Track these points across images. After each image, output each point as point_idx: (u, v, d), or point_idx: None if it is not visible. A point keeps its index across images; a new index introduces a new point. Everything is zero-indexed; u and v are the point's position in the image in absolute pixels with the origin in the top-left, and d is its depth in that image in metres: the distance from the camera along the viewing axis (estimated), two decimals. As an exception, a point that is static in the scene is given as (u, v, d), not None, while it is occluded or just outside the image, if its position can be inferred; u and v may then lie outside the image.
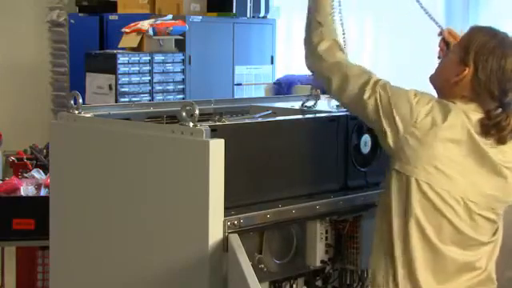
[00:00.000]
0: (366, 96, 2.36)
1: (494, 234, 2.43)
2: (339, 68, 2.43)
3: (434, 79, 2.47)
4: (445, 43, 2.58)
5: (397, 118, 2.31)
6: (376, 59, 6.46)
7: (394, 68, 6.24)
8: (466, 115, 2.32)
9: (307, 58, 2.52)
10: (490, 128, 2.33)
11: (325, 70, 2.46)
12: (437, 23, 2.66)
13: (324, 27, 2.49)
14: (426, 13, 2.70)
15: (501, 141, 2.34)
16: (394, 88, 2.37)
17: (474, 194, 2.33)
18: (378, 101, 2.34)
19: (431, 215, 2.32)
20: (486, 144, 2.33)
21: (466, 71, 2.33)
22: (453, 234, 2.34)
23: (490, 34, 2.36)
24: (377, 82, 2.37)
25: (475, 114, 2.34)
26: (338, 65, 2.44)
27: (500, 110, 2.35)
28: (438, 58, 2.59)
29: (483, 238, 2.40)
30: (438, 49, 2.60)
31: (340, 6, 2.68)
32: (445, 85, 2.39)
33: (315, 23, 2.50)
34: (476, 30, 2.40)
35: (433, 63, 2.53)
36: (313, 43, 2.48)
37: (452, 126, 2.30)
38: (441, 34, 2.60)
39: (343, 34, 2.62)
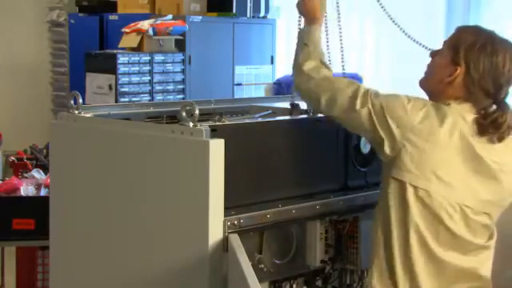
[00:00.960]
0: (357, 106, 2.34)
1: (490, 238, 2.42)
2: (327, 83, 2.44)
3: (424, 83, 2.45)
4: None
5: (392, 125, 2.29)
6: (377, 59, 6.46)
7: (394, 67, 6.24)
8: (462, 117, 2.31)
9: (294, 78, 2.53)
10: (487, 127, 2.31)
11: (313, 87, 2.45)
12: (425, 46, 2.66)
13: (310, 47, 2.52)
14: (413, 40, 2.73)
15: (499, 139, 2.33)
16: (386, 94, 2.35)
17: (470, 199, 2.32)
18: (371, 109, 2.32)
19: (429, 222, 2.30)
20: (482, 148, 2.31)
21: (458, 71, 2.32)
22: (450, 239, 2.33)
23: (477, 32, 2.37)
24: (367, 90, 2.36)
25: (470, 115, 2.33)
26: (325, 80, 2.45)
27: (495, 107, 2.35)
28: None
29: (480, 241, 2.38)
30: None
31: (338, 7, 2.70)
32: (437, 87, 2.38)
33: (302, 45, 2.54)
34: (463, 30, 2.39)
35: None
36: (298, 63, 2.50)
37: (450, 132, 2.28)
38: (431, 55, 2.58)
39: (340, 36, 2.66)
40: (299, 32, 2.61)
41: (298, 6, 2.65)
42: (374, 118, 2.31)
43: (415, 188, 2.28)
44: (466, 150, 2.30)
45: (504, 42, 2.36)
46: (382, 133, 2.31)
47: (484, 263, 2.41)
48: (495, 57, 2.31)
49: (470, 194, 2.32)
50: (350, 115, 2.36)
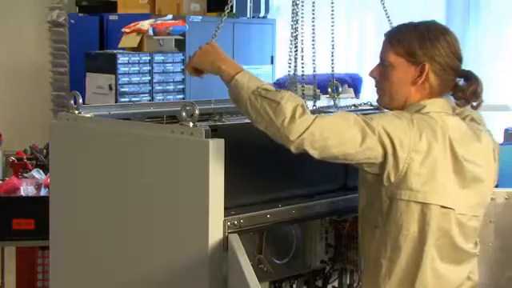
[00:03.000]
0: (370, 134, 2.18)
1: (476, 244, 2.39)
2: (327, 124, 2.17)
3: (389, 101, 2.37)
4: None
5: (398, 147, 2.20)
6: (377, 59, 6.46)
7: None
8: (443, 120, 2.28)
9: (288, 135, 2.15)
10: (469, 98, 2.33)
11: (317, 129, 2.15)
12: None
13: (272, 95, 2.19)
14: None
15: (477, 107, 2.37)
16: (377, 116, 2.25)
17: (465, 206, 2.30)
18: (380, 134, 2.19)
19: (437, 237, 2.27)
20: (462, 150, 2.29)
21: (427, 66, 2.29)
22: (450, 251, 2.31)
23: (411, 27, 2.35)
24: (364, 117, 2.22)
25: (449, 117, 2.31)
26: (322, 121, 2.17)
27: (462, 80, 2.36)
28: None
29: (470, 246, 2.36)
30: None
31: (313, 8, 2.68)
32: (409, 94, 2.33)
33: (261, 100, 2.19)
34: (398, 33, 2.36)
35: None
36: (287, 116, 2.14)
37: (443, 143, 2.26)
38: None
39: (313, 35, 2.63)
40: (241, 91, 2.23)
41: (203, 62, 2.37)
42: (385, 142, 2.19)
43: (427, 205, 2.23)
44: (454, 158, 2.28)
45: (430, 22, 2.38)
46: (389, 156, 2.20)
47: (474, 271, 2.39)
48: (443, 36, 2.32)
49: (463, 201, 2.30)
50: (365, 146, 2.18)
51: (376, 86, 2.41)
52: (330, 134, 2.17)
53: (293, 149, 2.18)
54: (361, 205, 2.39)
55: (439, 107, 2.32)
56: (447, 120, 2.30)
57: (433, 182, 2.23)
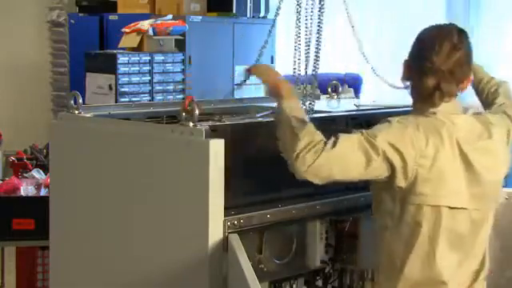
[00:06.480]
0: (374, 156, 2.23)
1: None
2: (332, 154, 2.23)
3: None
4: None
5: (406, 156, 2.24)
6: (379, 59, 6.47)
7: (394, 68, 6.24)
8: (451, 121, 2.30)
9: (297, 164, 2.23)
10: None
11: (321, 164, 2.22)
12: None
13: (298, 129, 2.27)
14: None
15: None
16: (380, 129, 2.28)
17: (474, 202, 2.33)
18: (385, 151, 2.23)
19: (450, 234, 2.31)
20: (471, 151, 2.31)
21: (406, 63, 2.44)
22: (459, 243, 2.34)
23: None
24: (366, 136, 2.25)
25: (457, 116, 2.32)
26: (328, 152, 2.23)
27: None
28: None
29: (482, 238, 2.37)
30: None
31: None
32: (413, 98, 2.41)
33: (291, 132, 2.27)
34: None
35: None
36: (296, 150, 2.23)
37: (451, 145, 2.28)
38: None
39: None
40: (281, 115, 2.33)
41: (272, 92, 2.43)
42: (391, 158, 2.24)
43: (438, 207, 2.27)
44: (464, 160, 2.30)
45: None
46: (398, 168, 2.24)
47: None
48: (418, 41, 2.42)
49: (476, 198, 2.32)
50: (371, 168, 2.24)
51: None
52: (335, 165, 2.24)
53: (298, 177, 2.25)
54: (372, 205, 2.44)
55: (448, 110, 2.33)
56: (456, 119, 2.32)
57: (443, 185, 2.27)
